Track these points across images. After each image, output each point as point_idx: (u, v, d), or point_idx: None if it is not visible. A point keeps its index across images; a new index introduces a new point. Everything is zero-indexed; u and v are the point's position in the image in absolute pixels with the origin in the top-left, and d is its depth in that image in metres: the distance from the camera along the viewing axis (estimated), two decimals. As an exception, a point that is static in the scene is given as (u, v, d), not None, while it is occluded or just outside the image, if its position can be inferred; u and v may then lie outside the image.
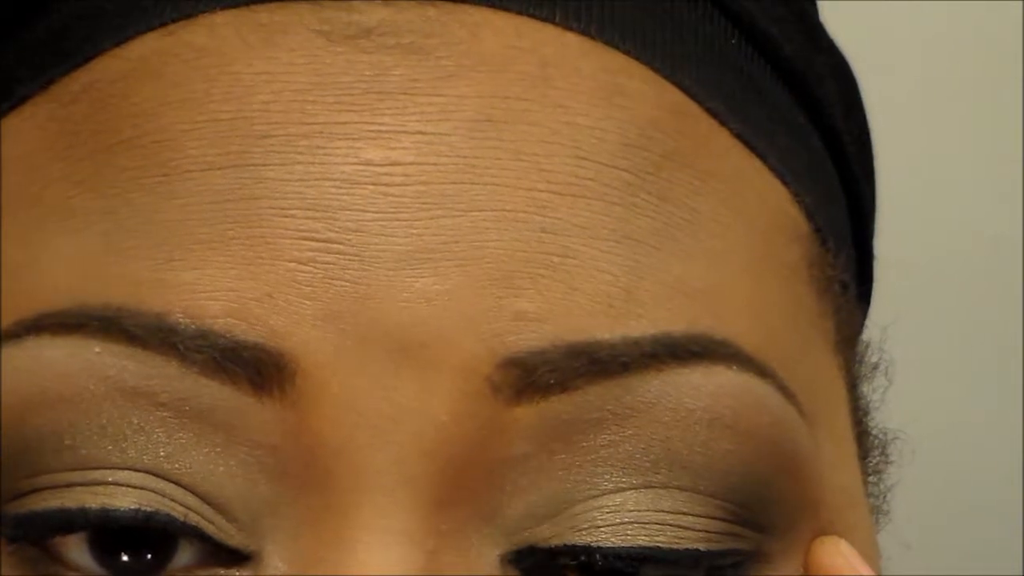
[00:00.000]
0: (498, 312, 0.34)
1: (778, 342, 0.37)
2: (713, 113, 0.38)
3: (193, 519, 0.34)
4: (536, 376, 0.34)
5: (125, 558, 0.34)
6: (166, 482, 0.34)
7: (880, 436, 0.45)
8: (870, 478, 0.44)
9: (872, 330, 0.45)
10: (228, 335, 0.34)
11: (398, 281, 0.34)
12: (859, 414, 0.43)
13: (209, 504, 0.34)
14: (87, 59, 0.36)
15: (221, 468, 0.34)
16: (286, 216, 0.34)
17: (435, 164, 0.34)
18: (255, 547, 0.35)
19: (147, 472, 0.34)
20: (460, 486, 0.34)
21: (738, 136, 0.38)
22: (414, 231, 0.34)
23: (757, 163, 0.38)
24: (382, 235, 0.34)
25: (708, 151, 0.37)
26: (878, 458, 0.44)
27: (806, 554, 0.37)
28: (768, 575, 0.37)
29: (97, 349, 0.34)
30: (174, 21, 0.36)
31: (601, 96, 0.36)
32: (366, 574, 0.33)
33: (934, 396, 0.77)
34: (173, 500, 0.34)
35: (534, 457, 0.35)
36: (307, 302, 0.34)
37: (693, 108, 0.37)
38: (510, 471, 0.35)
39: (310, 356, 0.34)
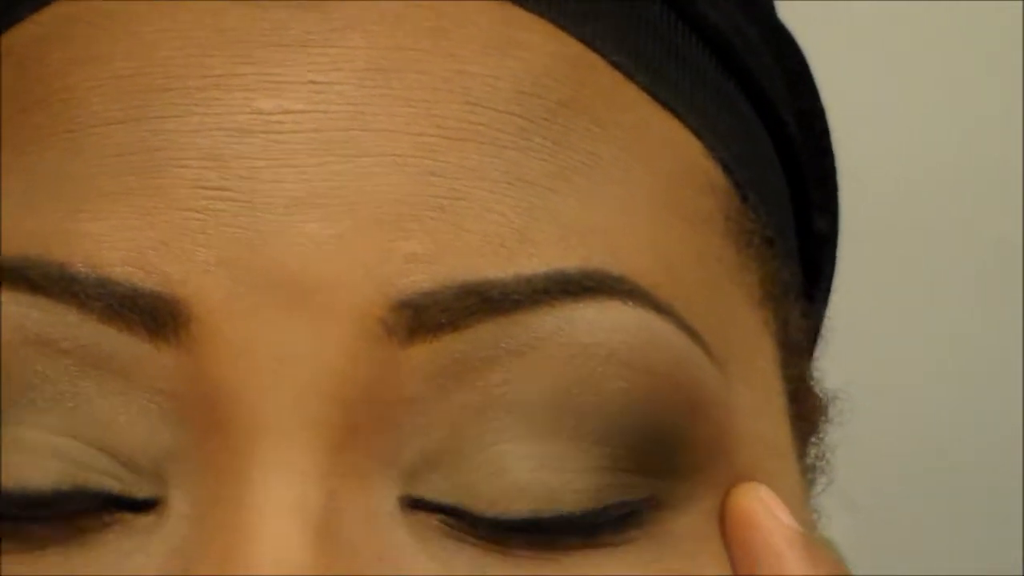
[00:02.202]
0: (388, 255, 0.35)
1: (682, 283, 0.38)
2: (619, 67, 0.39)
3: (96, 481, 0.35)
4: (428, 316, 0.35)
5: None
6: (75, 441, 0.35)
7: (822, 397, 0.45)
8: (811, 438, 0.44)
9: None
10: (126, 282, 0.35)
11: (288, 226, 0.35)
12: (795, 372, 0.43)
13: (114, 457, 0.35)
14: (9, 26, 0.38)
15: (123, 417, 0.35)
16: (181, 166, 0.35)
17: (325, 112, 0.35)
18: (161, 493, 0.35)
19: (56, 434, 0.35)
20: (358, 428, 0.35)
21: (647, 91, 0.39)
22: (304, 177, 0.35)
23: (667, 117, 0.39)
24: (273, 182, 0.35)
25: (611, 101, 0.38)
26: (819, 419, 0.44)
27: (722, 503, 0.37)
28: (670, 519, 0.37)
29: (4, 299, 0.35)
30: None
31: (495, 47, 0.37)
32: (266, 511, 0.34)
33: (935, 387, 0.77)
34: (84, 467, 0.35)
35: (429, 397, 0.36)
36: (201, 249, 0.35)
37: (597, 61, 0.38)
38: (406, 412, 0.35)
39: (204, 302, 0.35)
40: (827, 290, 0.50)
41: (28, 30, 0.37)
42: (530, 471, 0.36)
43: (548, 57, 0.37)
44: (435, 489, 0.36)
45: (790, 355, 0.42)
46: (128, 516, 0.35)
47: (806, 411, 0.43)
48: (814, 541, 0.37)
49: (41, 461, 0.35)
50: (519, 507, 0.35)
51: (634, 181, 0.38)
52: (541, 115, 0.37)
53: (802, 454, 0.43)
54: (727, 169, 0.40)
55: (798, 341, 0.43)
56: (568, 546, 0.36)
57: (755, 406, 0.39)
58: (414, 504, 0.36)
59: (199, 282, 0.34)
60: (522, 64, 0.37)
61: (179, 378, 0.35)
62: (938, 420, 0.78)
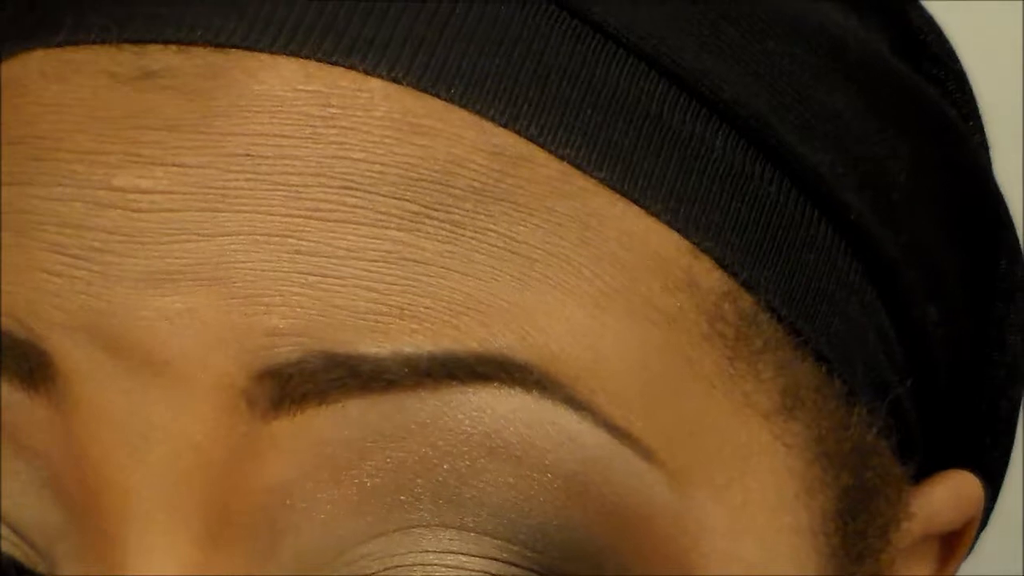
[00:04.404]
0: (248, 329, 0.35)
1: (617, 380, 0.36)
2: (567, 160, 0.37)
3: (8, 548, 0.36)
4: (292, 386, 0.35)
5: None
6: None
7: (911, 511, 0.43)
8: (881, 554, 0.41)
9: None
10: (4, 330, 0.36)
11: (138, 300, 0.35)
12: (849, 484, 0.40)
13: (15, 531, 0.36)
14: None
15: (16, 485, 0.36)
16: (42, 230, 0.36)
17: (184, 193, 0.36)
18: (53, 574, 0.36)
19: None
20: (230, 520, 0.35)
21: (605, 183, 0.37)
22: (156, 254, 0.35)
23: (633, 209, 0.37)
24: (125, 256, 0.36)
25: (546, 190, 0.37)
26: (890, 530, 0.42)
27: None
28: None
29: None
30: (4, 60, 0.39)
31: (391, 135, 0.36)
32: None
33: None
34: None
35: (299, 487, 0.35)
36: (58, 312, 0.36)
37: (536, 154, 0.37)
38: (279, 505, 0.35)
39: (65, 362, 0.35)
40: (956, 383, 0.46)
41: None
42: (410, 553, 0.35)
43: (462, 148, 0.36)
44: None
45: (834, 466, 0.40)
46: None
47: (870, 528, 0.41)
48: None
49: None
50: None
51: (567, 268, 0.36)
52: (441, 200, 0.36)
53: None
54: (728, 269, 0.38)
55: (851, 450, 0.40)
56: None
57: (734, 524, 0.37)
58: None
59: (59, 343, 0.35)
60: (424, 152, 0.36)
61: (52, 438, 0.36)
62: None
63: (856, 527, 0.40)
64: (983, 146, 0.47)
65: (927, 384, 0.44)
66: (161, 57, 0.37)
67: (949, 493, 0.44)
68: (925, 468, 0.45)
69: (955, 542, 0.45)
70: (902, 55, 0.43)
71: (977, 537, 0.47)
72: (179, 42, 0.37)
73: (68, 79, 0.38)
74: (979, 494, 0.44)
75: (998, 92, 0.77)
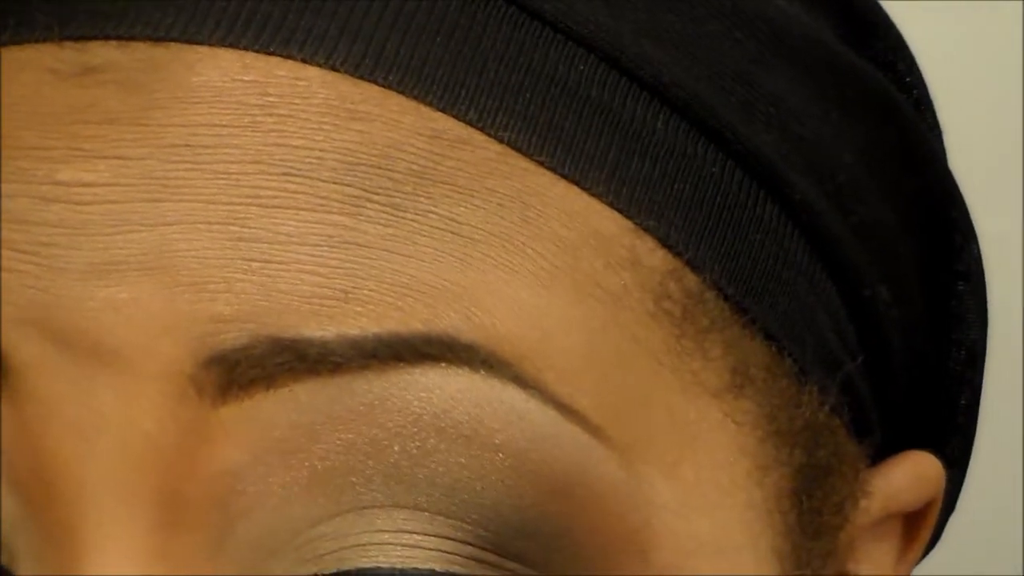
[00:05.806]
0: (193, 317, 0.35)
1: (563, 358, 0.36)
2: (508, 143, 0.37)
3: None
4: (239, 372, 0.35)
5: None
6: None
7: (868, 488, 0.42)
8: (839, 532, 0.41)
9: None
10: None
11: (83, 291, 0.35)
12: (804, 461, 0.40)
13: None
14: None
15: None
16: None
17: (126, 185, 0.36)
18: (14, 566, 0.36)
19: None
20: (183, 506, 0.35)
21: (545, 165, 0.38)
22: (100, 245, 0.36)
23: (574, 190, 0.38)
24: (70, 248, 0.36)
25: (485, 172, 0.37)
26: (847, 507, 0.42)
27: None
28: None
29: None
30: None
31: (329, 121, 0.37)
32: None
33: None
34: None
35: (250, 471, 0.35)
36: (7, 307, 0.36)
37: (475, 136, 0.37)
38: (230, 490, 0.35)
39: (15, 356, 0.36)
40: (908, 366, 0.45)
41: None
42: (364, 532, 0.35)
43: (400, 132, 0.37)
44: (272, 572, 0.35)
45: (786, 444, 0.40)
46: None
47: (825, 505, 0.41)
48: None
49: None
50: (359, 562, 0.35)
51: (509, 248, 0.37)
52: (381, 185, 0.36)
53: (807, 552, 0.40)
54: (672, 248, 0.38)
55: (803, 428, 0.40)
56: None
57: (686, 501, 0.37)
58: None
59: (9, 337, 0.36)
60: (362, 137, 0.36)
61: (7, 431, 0.36)
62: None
63: (811, 504, 0.40)
64: (934, 128, 0.47)
65: (880, 363, 0.44)
66: (102, 52, 0.37)
67: (908, 472, 0.44)
68: (889, 452, 0.45)
69: (918, 523, 0.45)
70: (848, 40, 0.43)
71: (944, 522, 0.47)
72: (119, 38, 0.37)
73: (12, 77, 0.38)
74: (939, 474, 0.44)
75: (998, 92, 0.77)
